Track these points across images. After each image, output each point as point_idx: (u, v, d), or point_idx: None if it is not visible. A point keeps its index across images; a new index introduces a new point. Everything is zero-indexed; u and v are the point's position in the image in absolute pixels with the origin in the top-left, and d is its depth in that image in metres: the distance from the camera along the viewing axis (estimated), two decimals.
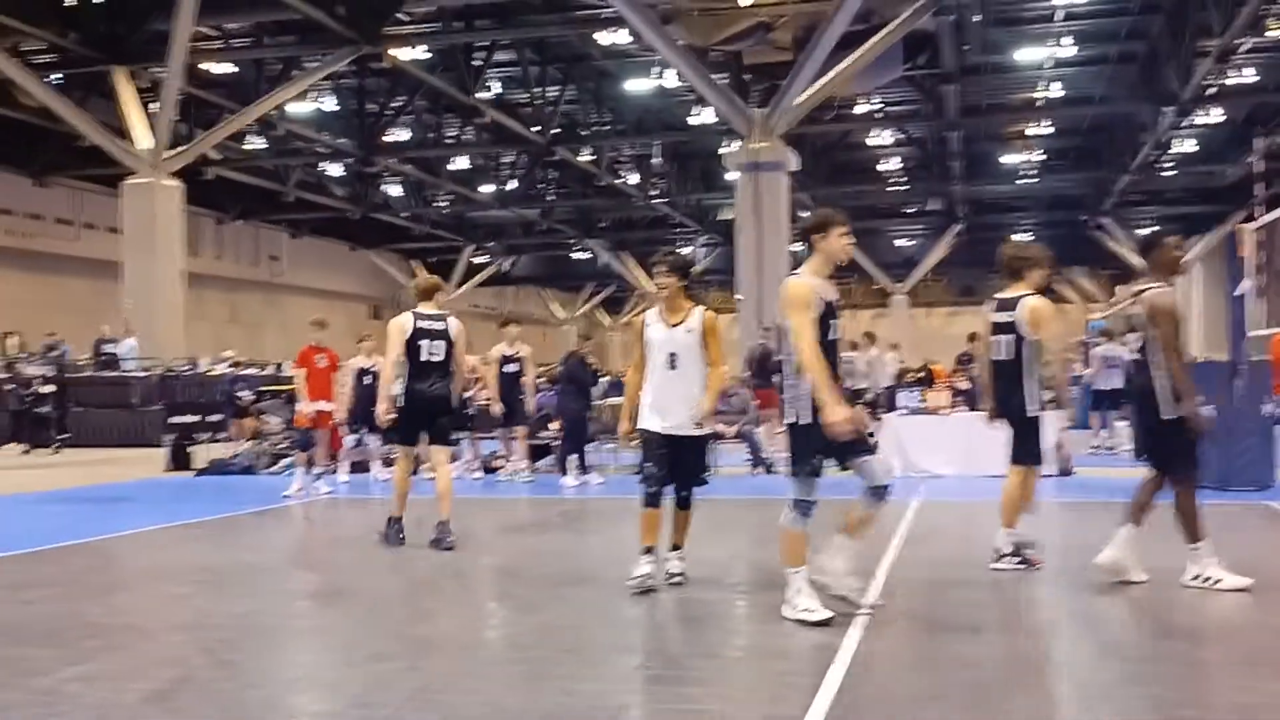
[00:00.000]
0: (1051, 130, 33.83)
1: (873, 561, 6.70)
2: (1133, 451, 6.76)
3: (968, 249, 45.12)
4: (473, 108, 27.13)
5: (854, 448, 5.40)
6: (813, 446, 5.41)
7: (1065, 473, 12.11)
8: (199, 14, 20.54)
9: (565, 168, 35.20)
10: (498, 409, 12.89)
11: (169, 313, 23.97)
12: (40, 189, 30.98)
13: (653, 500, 6.27)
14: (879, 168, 38.35)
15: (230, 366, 23.14)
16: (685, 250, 41.65)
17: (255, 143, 31.09)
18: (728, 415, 13.09)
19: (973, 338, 14.76)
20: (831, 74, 21.04)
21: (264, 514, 10.68)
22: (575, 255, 52.40)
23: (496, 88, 28.02)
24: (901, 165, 38.28)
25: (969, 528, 8.74)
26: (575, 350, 13.87)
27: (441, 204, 40.97)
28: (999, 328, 6.81)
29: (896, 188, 40.32)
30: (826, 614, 5.36)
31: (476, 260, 49.48)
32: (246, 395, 16.63)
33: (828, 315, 5.45)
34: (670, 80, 26.25)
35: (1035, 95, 29.37)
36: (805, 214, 9.40)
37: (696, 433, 6.35)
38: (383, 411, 8.15)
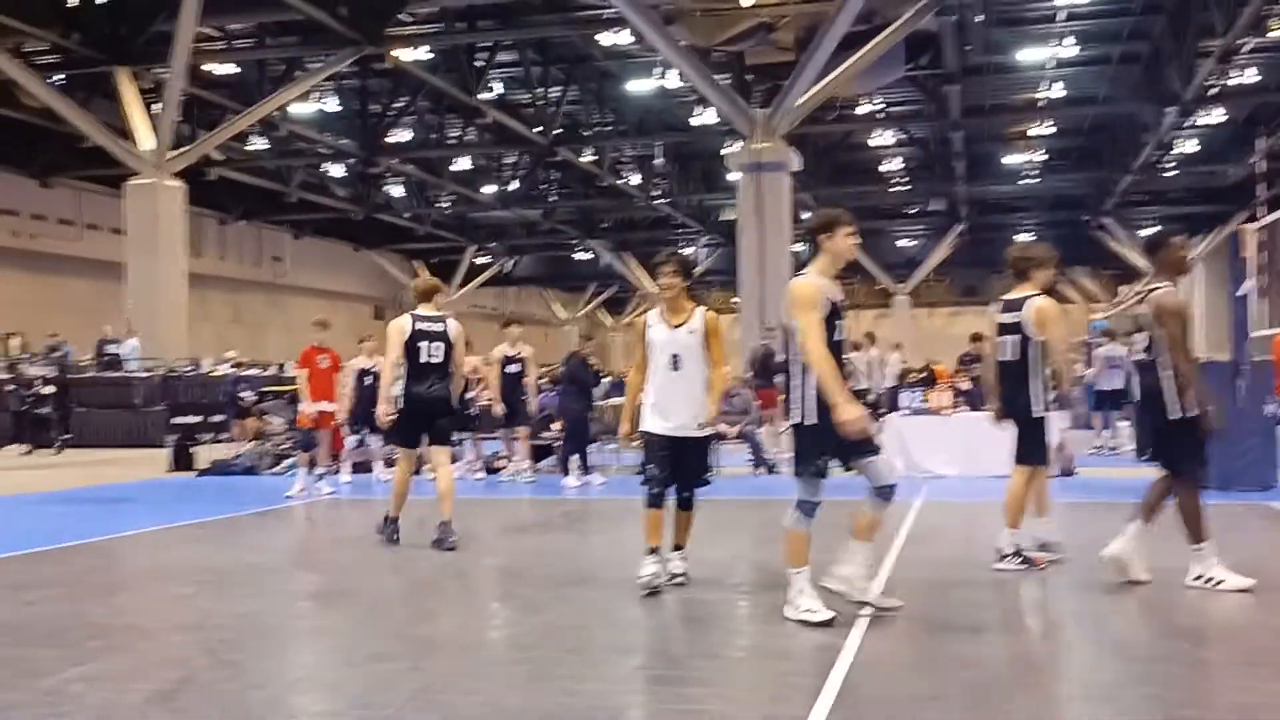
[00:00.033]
0: (1054, 130, 33.76)
1: (875, 562, 6.69)
2: (1134, 451, 6.76)
3: (970, 249, 45.16)
4: (475, 108, 27.15)
5: (859, 448, 5.39)
6: (818, 447, 5.40)
7: (1067, 473, 12.11)
8: (201, 15, 20.55)
9: (567, 168, 35.20)
10: (500, 409, 12.88)
11: (171, 313, 23.97)
12: (43, 189, 31.01)
13: (655, 501, 6.27)
14: (881, 168, 38.28)
15: (233, 367, 23.18)
16: (687, 251, 41.69)
17: (258, 143, 31.08)
18: (730, 416, 13.08)
19: (975, 338, 14.75)
20: (834, 74, 21.02)
21: (266, 514, 10.69)
22: (577, 256, 52.41)
23: (499, 88, 28.03)
24: (904, 165, 38.23)
25: (971, 528, 8.76)
26: (577, 351, 13.91)
27: (444, 204, 40.96)
28: (1005, 328, 6.81)
29: (899, 188, 40.24)
30: (829, 614, 5.35)
31: (479, 261, 49.51)
32: (249, 396, 16.62)
33: (833, 316, 5.44)
34: (672, 81, 26.24)
35: (1037, 95, 29.35)
36: (807, 214, 9.40)
37: (699, 434, 6.36)
38: (383, 413, 8.17)
